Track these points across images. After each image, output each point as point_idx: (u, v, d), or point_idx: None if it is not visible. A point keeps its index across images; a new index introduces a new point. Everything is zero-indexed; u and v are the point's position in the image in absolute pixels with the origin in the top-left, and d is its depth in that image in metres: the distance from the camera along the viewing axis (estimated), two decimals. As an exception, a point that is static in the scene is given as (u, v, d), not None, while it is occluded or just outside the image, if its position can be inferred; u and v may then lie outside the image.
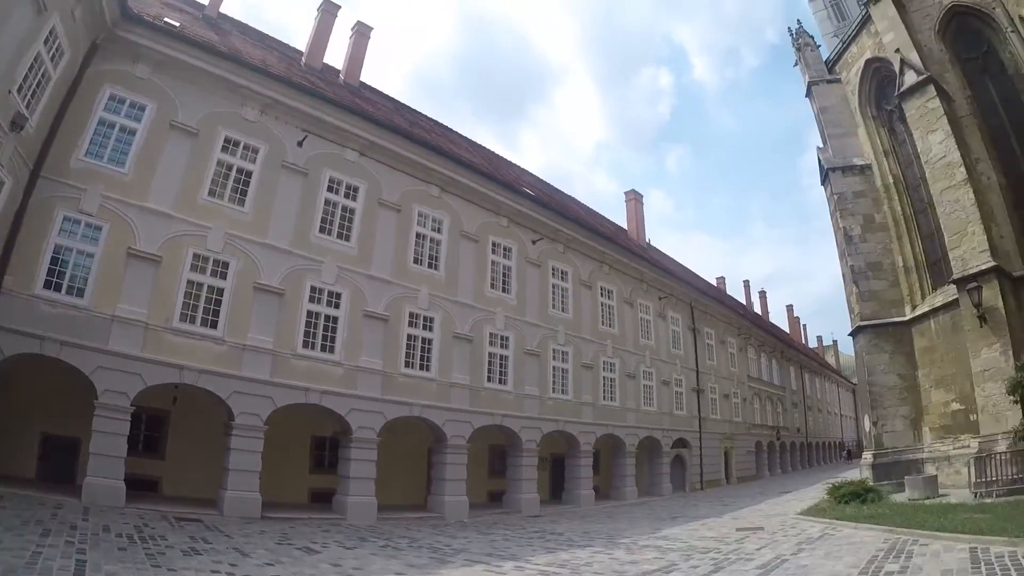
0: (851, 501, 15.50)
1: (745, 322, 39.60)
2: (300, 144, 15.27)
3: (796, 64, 23.03)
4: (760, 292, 56.24)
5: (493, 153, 27.67)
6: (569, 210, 25.72)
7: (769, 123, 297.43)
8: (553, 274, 22.41)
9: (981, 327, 15.37)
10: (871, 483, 17.09)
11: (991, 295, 15.21)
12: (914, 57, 17.38)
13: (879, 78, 20.42)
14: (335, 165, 16.10)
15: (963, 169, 16.12)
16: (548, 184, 29.39)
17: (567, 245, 23.37)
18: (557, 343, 21.64)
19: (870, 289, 19.93)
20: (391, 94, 24.18)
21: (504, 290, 20.06)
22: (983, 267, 15.43)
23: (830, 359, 71.75)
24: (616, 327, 25.19)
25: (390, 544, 11.17)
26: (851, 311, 20.64)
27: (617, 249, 26.12)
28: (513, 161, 29.71)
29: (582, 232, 24.04)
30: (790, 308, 63.91)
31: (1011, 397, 13.69)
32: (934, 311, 18.42)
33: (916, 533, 10.42)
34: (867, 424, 19.62)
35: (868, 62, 20.51)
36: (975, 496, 13.93)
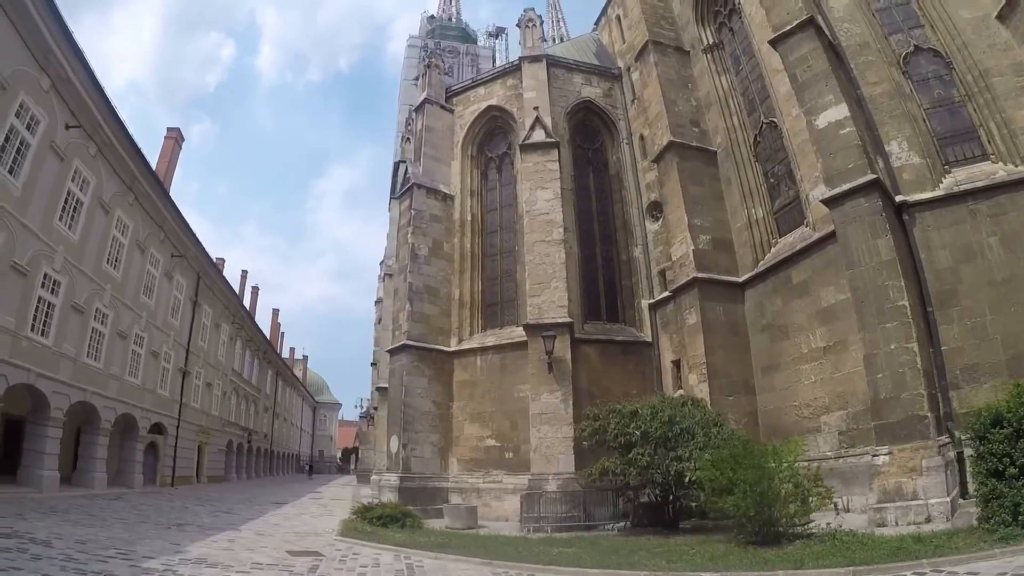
0: (389, 524, 14.47)
1: (241, 311, 36.94)
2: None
3: (419, 78, 23.12)
4: (254, 287, 51.84)
5: None
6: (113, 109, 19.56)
7: (298, 140, 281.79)
8: (74, 177, 17.71)
9: (548, 373, 17.23)
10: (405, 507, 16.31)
11: (562, 347, 17.38)
12: (548, 121, 19.62)
13: (493, 126, 22.23)
14: None
15: (561, 230, 18.62)
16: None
17: (101, 148, 18.94)
18: (52, 267, 16.55)
19: (423, 312, 20.29)
20: None
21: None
22: (559, 320, 17.67)
23: (298, 372, 70.48)
24: (120, 272, 20.82)
25: None
26: (399, 328, 20.34)
27: (151, 179, 22.28)
28: None
29: (123, 139, 19.79)
30: (276, 312, 60.72)
31: (585, 442, 15.11)
32: (484, 349, 19.96)
33: (531, 568, 9.70)
34: (394, 445, 19.11)
35: (491, 107, 22.20)
36: (527, 530, 14.74)
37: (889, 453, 11.11)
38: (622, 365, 18.98)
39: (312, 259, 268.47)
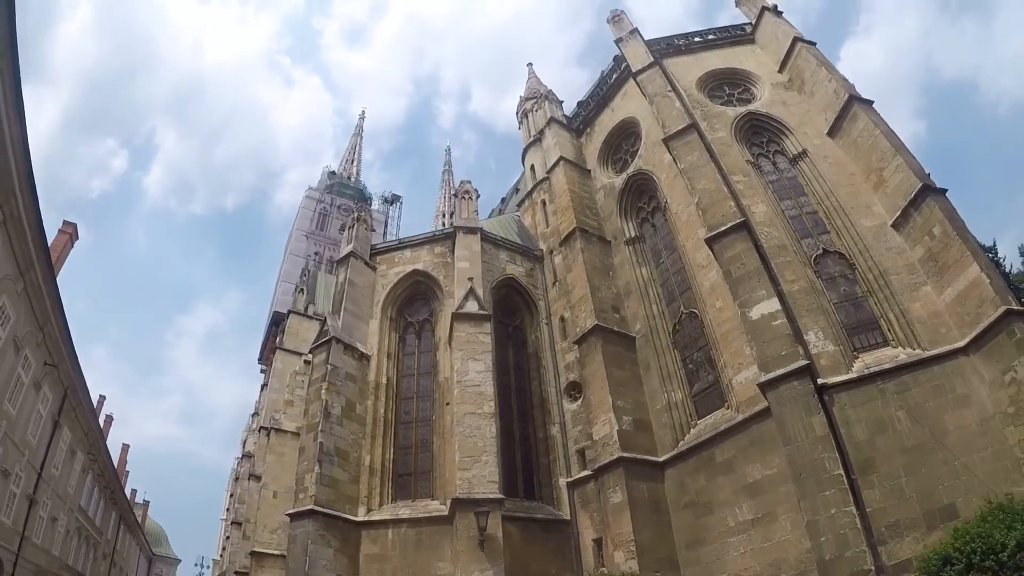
0: None
1: (100, 442, 31.82)
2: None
3: (346, 229, 22.55)
4: (108, 416, 43.55)
5: None
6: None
7: (169, 270, 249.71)
8: None
9: (479, 551, 15.79)
10: None
11: (493, 524, 16.12)
12: (481, 293, 19.64)
13: (416, 290, 21.91)
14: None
15: (492, 403, 17.97)
16: None
17: (7, 218, 16.84)
18: None
19: (332, 475, 18.21)
20: None
21: None
22: (490, 495, 16.50)
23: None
24: None
25: None
26: (304, 491, 17.86)
27: (47, 270, 19.81)
28: None
29: (33, 215, 17.67)
30: (126, 448, 51.58)
31: None
32: (397, 521, 18.07)
33: None
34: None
35: (416, 271, 22.02)
36: None
37: (843, 609, 11.74)
38: (542, 544, 17.97)
39: (159, 396, 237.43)
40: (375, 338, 21.28)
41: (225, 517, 65.18)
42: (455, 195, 23.16)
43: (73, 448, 27.96)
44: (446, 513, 17.37)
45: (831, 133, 19.39)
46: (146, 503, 69.60)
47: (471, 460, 17.02)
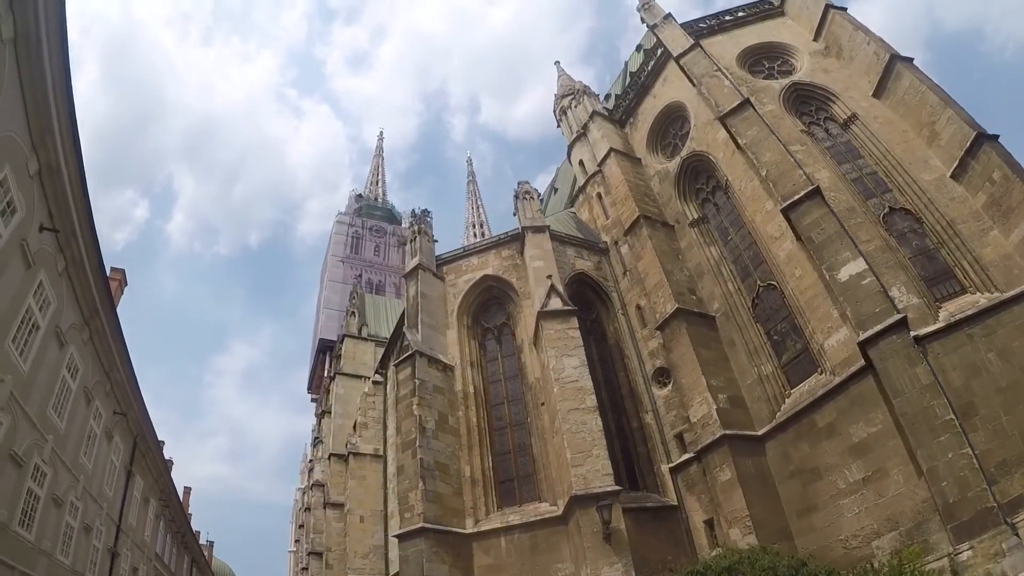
0: None
1: (168, 486, 31.39)
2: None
3: (408, 243, 22.57)
4: (168, 460, 42.31)
5: None
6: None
7: (200, 312, 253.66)
8: (36, 292, 14.54)
9: (607, 545, 15.84)
10: None
11: (616, 516, 16.21)
12: (563, 291, 19.77)
13: (488, 296, 21.98)
14: None
15: (593, 397, 18.10)
16: None
17: (69, 264, 16.22)
18: None
19: (436, 491, 18.30)
20: None
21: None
22: (608, 488, 16.59)
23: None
24: (64, 423, 17.06)
25: None
26: (410, 509, 17.93)
27: (111, 316, 19.32)
28: None
29: (95, 259, 17.18)
30: (188, 491, 49.06)
31: None
32: (508, 528, 18.12)
33: None
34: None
35: (486, 277, 22.15)
36: None
37: (971, 547, 12.18)
38: (654, 532, 18.07)
39: (204, 437, 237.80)
40: (455, 348, 21.41)
41: (295, 549, 65.15)
42: (515, 197, 23.17)
43: (146, 496, 27.77)
44: (559, 513, 17.51)
45: (877, 94, 19.90)
46: (210, 543, 68.64)
47: (582, 456, 17.10)
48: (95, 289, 18.02)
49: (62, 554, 17.71)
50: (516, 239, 22.66)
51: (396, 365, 20.76)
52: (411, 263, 22.75)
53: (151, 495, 28.79)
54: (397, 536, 18.44)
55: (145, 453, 26.47)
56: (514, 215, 22.75)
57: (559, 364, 18.47)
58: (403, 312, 22.91)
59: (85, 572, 19.93)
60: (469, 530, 18.34)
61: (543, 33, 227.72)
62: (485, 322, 22.46)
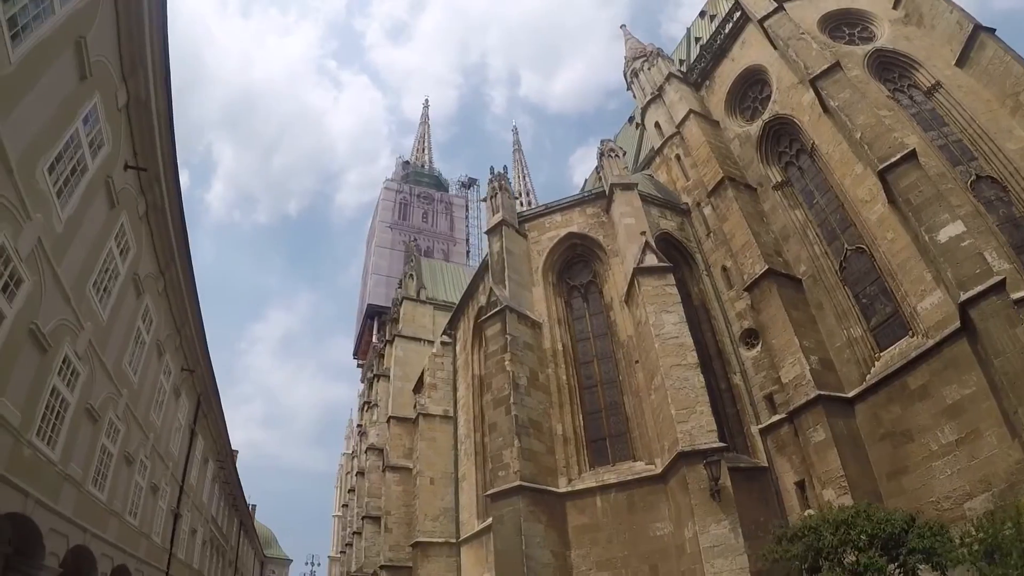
0: None
1: (226, 447, 31.29)
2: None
3: (488, 199, 22.34)
4: None
5: None
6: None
7: (239, 280, 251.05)
8: (117, 236, 14.21)
9: (714, 502, 16.04)
10: None
11: (724, 473, 16.44)
12: (654, 246, 19.80)
13: (572, 254, 21.96)
14: None
15: (695, 353, 18.25)
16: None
17: (150, 208, 15.98)
18: (75, 347, 12.37)
19: (531, 448, 18.49)
20: None
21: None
22: (713, 445, 16.80)
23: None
24: (138, 377, 16.78)
25: None
26: (504, 468, 17.99)
27: (186, 266, 18.73)
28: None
29: (175, 203, 16.78)
30: (235, 454, 48.28)
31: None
32: (604, 487, 18.31)
33: None
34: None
35: (571, 234, 22.11)
36: None
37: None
38: (747, 492, 18.23)
39: (239, 404, 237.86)
40: (541, 305, 21.48)
41: (341, 514, 65.41)
42: (600, 154, 23.16)
43: (206, 456, 27.55)
44: (658, 471, 17.72)
45: (959, 63, 20.15)
46: (253, 507, 69.68)
47: (687, 412, 17.24)
48: (174, 237, 17.58)
49: (131, 515, 17.56)
50: (600, 197, 22.71)
51: (483, 321, 20.75)
52: (493, 219, 22.72)
53: (210, 456, 28.58)
54: (490, 495, 18.47)
55: (207, 413, 26.22)
56: (597, 172, 22.67)
57: (658, 320, 18.55)
58: (480, 267, 22.68)
59: (151, 534, 19.93)
60: (562, 489, 18.55)
61: (583, 7, 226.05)
62: (570, 280, 22.51)
